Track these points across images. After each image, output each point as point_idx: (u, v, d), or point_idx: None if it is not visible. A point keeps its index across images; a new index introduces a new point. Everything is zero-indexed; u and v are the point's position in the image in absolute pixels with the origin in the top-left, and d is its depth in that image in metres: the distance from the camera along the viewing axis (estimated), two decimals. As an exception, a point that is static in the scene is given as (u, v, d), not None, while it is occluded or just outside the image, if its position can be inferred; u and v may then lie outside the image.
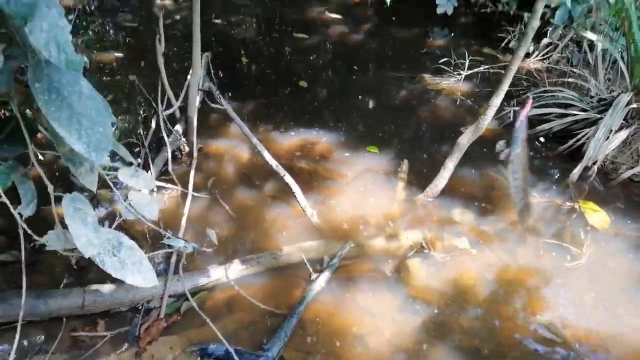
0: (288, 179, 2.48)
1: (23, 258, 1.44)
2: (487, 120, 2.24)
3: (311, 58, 4.05)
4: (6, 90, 1.15)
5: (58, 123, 1.11)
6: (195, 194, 2.43)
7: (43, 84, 1.09)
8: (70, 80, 1.12)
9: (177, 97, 2.73)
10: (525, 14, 4.33)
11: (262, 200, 2.50)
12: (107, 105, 1.21)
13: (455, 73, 3.83)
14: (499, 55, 4.22)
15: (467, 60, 3.85)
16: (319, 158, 2.85)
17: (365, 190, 2.61)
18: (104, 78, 3.54)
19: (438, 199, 2.54)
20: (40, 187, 1.36)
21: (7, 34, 1.09)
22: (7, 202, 1.21)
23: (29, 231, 1.30)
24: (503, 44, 4.30)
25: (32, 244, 1.88)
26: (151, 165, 2.50)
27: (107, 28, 4.35)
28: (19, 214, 1.26)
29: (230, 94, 3.40)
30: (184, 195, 2.42)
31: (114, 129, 1.22)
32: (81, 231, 1.16)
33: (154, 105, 2.58)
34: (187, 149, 2.71)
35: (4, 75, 1.13)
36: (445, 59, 3.94)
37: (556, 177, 2.82)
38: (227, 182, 2.62)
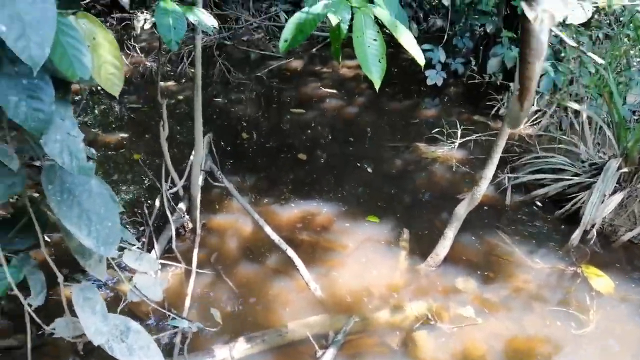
0: (290, 253, 2.50)
1: (29, 345, 1.43)
2: (481, 191, 2.31)
3: (309, 131, 4.20)
4: (21, 190, 1.21)
5: (69, 221, 1.16)
6: (199, 271, 2.44)
7: (55, 185, 1.15)
8: (81, 180, 1.19)
9: (180, 174, 2.81)
10: (511, 84, 4.55)
11: (265, 275, 2.51)
12: (115, 199, 1.27)
13: (449, 141, 3.96)
14: (490, 123, 4.38)
15: (460, 129, 3.99)
16: (320, 229, 2.88)
17: (367, 260, 2.63)
18: (109, 158, 3.64)
19: (441, 268, 2.55)
20: (47, 270, 1.39)
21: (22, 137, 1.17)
22: (19, 293, 1.24)
23: (37, 320, 1.31)
24: (493, 112, 4.48)
25: (39, 331, 1.87)
26: (155, 243, 2.53)
27: (113, 108, 4.53)
28: (29, 304, 1.28)
29: (231, 168, 3.49)
30: (187, 272, 2.43)
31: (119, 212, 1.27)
32: (90, 320, 1.17)
33: (158, 184, 2.66)
34: (190, 225, 2.75)
35: (19, 177, 1.20)
36: (438, 128, 4.08)
37: (557, 241, 2.84)
38: (230, 257, 2.64)
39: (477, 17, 4.93)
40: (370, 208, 3.10)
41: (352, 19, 1.89)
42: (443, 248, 2.51)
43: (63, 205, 1.17)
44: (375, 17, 1.93)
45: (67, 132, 1.05)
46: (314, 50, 6.20)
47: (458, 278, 2.51)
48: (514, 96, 1.60)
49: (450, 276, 2.51)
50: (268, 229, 2.71)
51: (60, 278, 1.25)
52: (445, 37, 4.95)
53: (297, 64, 5.74)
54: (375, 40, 1.98)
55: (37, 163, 1.28)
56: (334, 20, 2.10)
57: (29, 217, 1.39)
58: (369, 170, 3.60)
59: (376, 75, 1.96)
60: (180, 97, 4.73)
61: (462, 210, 2.41)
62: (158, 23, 1.93)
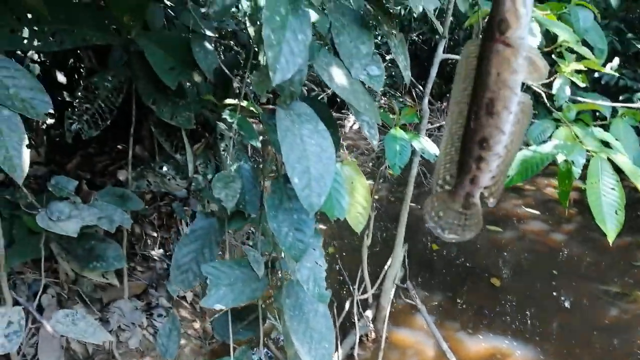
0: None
1: None
2: None
3: (505, 254, 3.93)
4: (261, 294, 1.37)
5: (295, 335, 1.25)
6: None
7: (291, 301, 1.27)
8: (311, 300, 1.29)
9: (370, 276, 2.86)
10: None
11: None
12: (332, 324, 1.34)
13: (685, 298, 3.27)
14: None
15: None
16: (512, 375, 2.58)
17: None
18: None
19: None
20: None
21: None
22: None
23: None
24: None
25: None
26: (339, 347, 2.57)
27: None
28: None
29: (418, 280, 3.43)
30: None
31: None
32: None
33: (351, 287, 2.74)
34: (373, 335, 2.74)
35: (262, 283, 1.36)
36: (669, 279, 3.43)
37: None
38: (409, 380, 2.52)
39: None
40: (574, 362, 2.68)
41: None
42: None
43: (294, 320, 1.27)
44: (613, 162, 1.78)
45: (315, 260, 1.17)
46: (516, 164, 5.95)
47: None
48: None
49: None
50: (452, 358, 2.53)
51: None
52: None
53: (496, 177, 5.57)
54: (613, 189, 1.80)
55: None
56: (564, 163, 2.00)
57: (255, 316, 1.55)
58: (574, 314, 3.16)
59: (611, 228, 1.76)
60: (376, 197, 4.95)
61: None
62: (386, 147, 2.08)
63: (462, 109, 0.53)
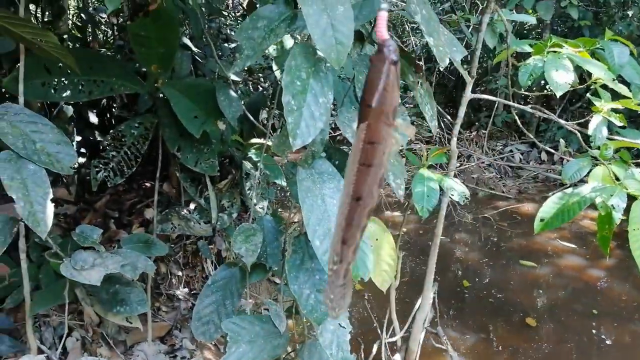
0: None
1: None
2: None
3: (540, 291, 3.76)
4: (282, 351, 1.33)
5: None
6: None
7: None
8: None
9: (400, 317, 2.76)
10: None
11: None
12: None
13: None
14: None
15: None
16: None
17: None
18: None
19: None
20: None
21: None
22: None
23: None
24: None
25: None
26: (366, 393, 2.47)
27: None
28: None
29: (448, 318, 3.30)
30: None
31: None
32: None
33: (379, 330, 2.65)
34: (402, 380, 2.63)
35: (284, 339, 1.32)
36: None
37: None
38: None
39: None
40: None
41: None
42: None
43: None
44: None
45: (339, 323, 1.12)
46: (550, 193, 5.76)
47: None
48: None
49: None
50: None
51: None
52: None
53: (529, 207, 5.40)
54: (658, 235, 1.70)
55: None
56: (604, 206, 1.89)
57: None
58: (617, 358, 2.97)
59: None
60: (404, 229, 4.85)
61: None
62: (414, 190, 2.02)
63: (349, 191, 0.56)
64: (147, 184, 3.03)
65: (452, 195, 2.06)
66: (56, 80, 1.55)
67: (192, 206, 2.53)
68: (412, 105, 6.63)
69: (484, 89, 7.20)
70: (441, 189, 2.14)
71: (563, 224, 1.84)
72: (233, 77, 1.90)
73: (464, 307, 3.54)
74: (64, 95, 1.55)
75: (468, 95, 2.07)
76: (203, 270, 2.75)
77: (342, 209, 0.56)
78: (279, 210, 5.00)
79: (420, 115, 7.03)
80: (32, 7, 2.66)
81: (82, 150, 2.92)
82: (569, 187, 2.02)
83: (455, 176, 2.28)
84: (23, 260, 1.62)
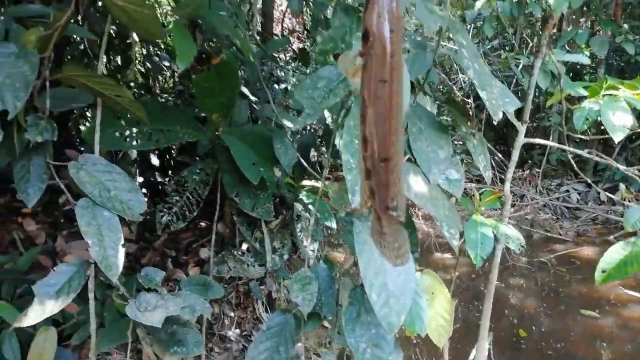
0: None
1: None
2: None
3: (604, 344, 3.53)
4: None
5: None
6: None
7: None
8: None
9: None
10: None
11: None
12: None
13: None
14: None
15: None
16: None
17: None
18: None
19: None
20: None
21: None
22: None
23: None
24: None
25: None
26: None
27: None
28: None
29: (505, 371, 3.15)
30: None
31: None
32: None
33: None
34: None
35: None
36: None
37: None
38: None
39: None
40: None
41: None
42: None
43: None
44: None
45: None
46: (611, 237, 5.49)
47: None
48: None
49: None
50: None
51: None
52: None
53: (589, 251, 5.14)
54: None
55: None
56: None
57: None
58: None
59: None
60: (456, 273, 4.73)
61: None
62: (466, 237, 2.00)
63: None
64: (202, 224, 3.14)
65: (507, 243, 2.02)
66: (128, 130, 1.68)
67: (244, 246, 2.60)
68: (461, 142, 6.56)
69: (537, 125, 7.04)
70: (495, 235, 2.10)
71: (626, 276, 1.76)
72: (288, 124, 1.98)
73: (520, 359, 3.37)
74: (135, 144, 1.68)
75: (521, 140, 2.05)
76: (254, 312, 2.79)
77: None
78: (326, 248, 5.02)
79: (469, 152, 6.94)
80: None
81: (144, 190, 3.09)
82: (632, 234, 1.94)
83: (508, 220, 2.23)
84: (91, 299, 1.72)
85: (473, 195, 2.06)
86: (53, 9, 1.82)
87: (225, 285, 2.70)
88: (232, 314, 2.67)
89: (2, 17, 1.46)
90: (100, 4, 2.21)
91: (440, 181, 1.21)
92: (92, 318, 1.78)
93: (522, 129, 1.67)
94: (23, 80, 1.13)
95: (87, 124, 2.89)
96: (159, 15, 4.38)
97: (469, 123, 1.31)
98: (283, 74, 4.16)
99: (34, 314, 1.39)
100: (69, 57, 2.50)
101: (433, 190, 1.17)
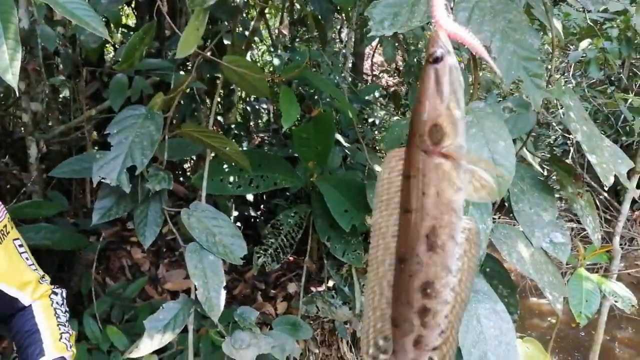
0: None
1: None
2: None
3: None
4: None
5: None
6: None
7: None
8: None
9: None
10: None
11: None
12: None
13: None
14: None
15: None
16: None
17: None
18: None
19: None
20: None
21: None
22: None
23: None
24: None
25: None
26: None
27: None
28: None
29: None
30: None
31: None
32: None
33: None
34: None
35: None
36: None
37: None
38: None
39: None
40: None
41: None
42: None
43: None
44: None
45: None
46: None
47: None
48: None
49: None
50: None
51: None
52: None
53: None
54: None
55: None
56: None
57: None
58: None
59: None
60: (549, 318, 4.40)
61: None
62: (570, 294, 1.87)
63: (388, 244, 0.38)
64: (290, 258, 3.24)
65: (617, 302, 1.87)
66: (232, 177, 1.81)
67: (330, 283, 2.63)
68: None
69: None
70: (602, 292, 1.95)
71: None
72: (379, 169, 2.01)
73: None
74: (238, 190, 1.80)
75: (632, 192, 1.91)
76: (339, 350, 2.79)
77: (381, 271, 0.39)
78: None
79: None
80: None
81: (238, 223, 3.26)
82: None
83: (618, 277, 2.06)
84: (190, 332, 1.84)
85: (578, 249, 1.93)
86: (171, 64, 2.03)
87: (311, 322, 2.74)
88: (317, 351, 2.69)
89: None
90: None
91: (544, 245, 1.16)
92: (190, 349, 1.90)
93: (633, 187, 1.56)
94: (149, 138, 1.27)
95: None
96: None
97: (575, 182, 1.25)
98: (371, 110, 4.21)
99: (144, 346, 1.52)
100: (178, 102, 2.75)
101: (536, 254, 1.13)
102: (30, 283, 1.08)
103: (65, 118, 2.75)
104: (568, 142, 6.61)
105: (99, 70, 2.57)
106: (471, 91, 1.01)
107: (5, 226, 1.04)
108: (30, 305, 1.08)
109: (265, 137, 3.42)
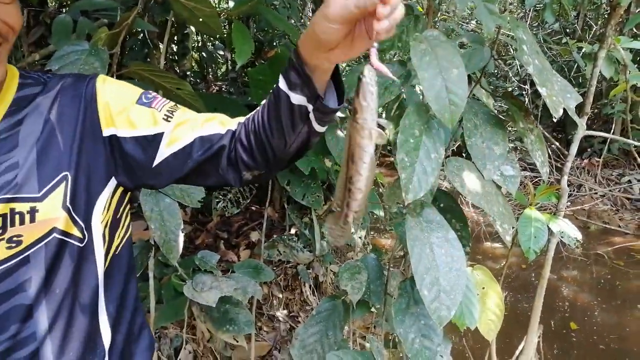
0: None
1: None
2: None
3: (663, 342, 3.38)
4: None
5: None
6: None
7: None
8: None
9: (499, 354, 2.64)
10: None
11: None
12: None
13: None
14: None
15: None
16: None
17: None
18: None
19: None
20: None
21: None
22: None
23: None
24: None
25: None
26: None
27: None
28: None
29: (554, 365, 3.09)
30: None
31: None
32: None
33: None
34: None
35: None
36: None
37: None
38: None
39: None
40: None
41: None
42: None
43: None
44: None
45: (440, 355, 1.13)
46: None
47: None
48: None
49: None
50: None
51: None
52: None
53: (651, 245, 4.89)
54: None
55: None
56: None
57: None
58: None
59: None
60: (505, 269, 4.63)
61: None
62: (520, 231, 1.96)
63: (345, 161, 0.70)
64: (253, 208, 3.24)
65: (562, 237, 1.97)
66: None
67: (292, 231, 2.66)
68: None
69: (597, 113, 6.69)
70: (550, 229, 2.05)
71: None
72: (341, 115, 2.00)
73: (570, 352, 3.29)
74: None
75: (581, 133, 1.98)
76: (302, 294, 2.86)
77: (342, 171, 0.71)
78: (372, 234, 5.04)
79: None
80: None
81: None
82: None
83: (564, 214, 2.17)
84: (151, 278, 1.84)
85: (528, 189, 2.01)
86: (118, 3, 1.91)
87: (275, 268, 2.79)
88: (280, 296, 2.75)
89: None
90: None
91: (495, 177, 1.20)
92: (152, 296, 1.90)
93: (582, 123, 1.61)
94: (95, 75, 1.20)
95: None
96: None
97: (526, 118, 1.28)
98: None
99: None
100: (130, 47, 2.61)
101: (487, 186, 1.16)
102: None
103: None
104: (524, 92, 6.77)
105: (42, 13, 2.40)
106: (426, 20, 1.00)
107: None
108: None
109: (223, 86, 3.33)
